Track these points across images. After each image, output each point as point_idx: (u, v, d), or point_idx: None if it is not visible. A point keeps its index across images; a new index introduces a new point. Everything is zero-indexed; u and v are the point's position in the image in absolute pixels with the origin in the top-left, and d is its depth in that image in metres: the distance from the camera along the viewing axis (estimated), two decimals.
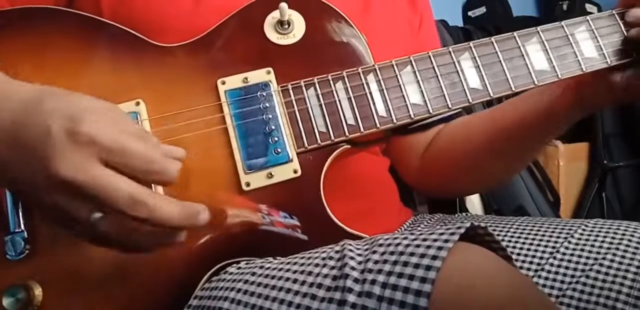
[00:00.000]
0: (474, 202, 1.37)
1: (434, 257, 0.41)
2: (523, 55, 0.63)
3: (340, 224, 0.59)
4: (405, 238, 0.45)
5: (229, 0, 0.66)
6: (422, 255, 0.42)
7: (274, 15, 0.64)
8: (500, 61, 0.63)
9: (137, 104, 0.60)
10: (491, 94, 0.63)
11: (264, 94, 0.61)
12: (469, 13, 2.24)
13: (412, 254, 0.43)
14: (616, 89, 0.65)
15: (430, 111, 0.62)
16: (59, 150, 0.44)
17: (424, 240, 0.44)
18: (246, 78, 0.62)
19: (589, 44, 0.64)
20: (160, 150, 0.47)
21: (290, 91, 0.62)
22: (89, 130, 0.44)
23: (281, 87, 0.62)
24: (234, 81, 0.62)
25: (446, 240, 0.43)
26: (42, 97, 0.46)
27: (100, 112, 0.46)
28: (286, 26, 0.63)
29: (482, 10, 2.21)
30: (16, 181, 0.46)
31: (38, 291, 0.56)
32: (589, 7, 2.12)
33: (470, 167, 0.79)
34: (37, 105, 0.45)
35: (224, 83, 0.62)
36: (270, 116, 0.61)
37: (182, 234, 0.48)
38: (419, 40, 0.84)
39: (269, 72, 0.62)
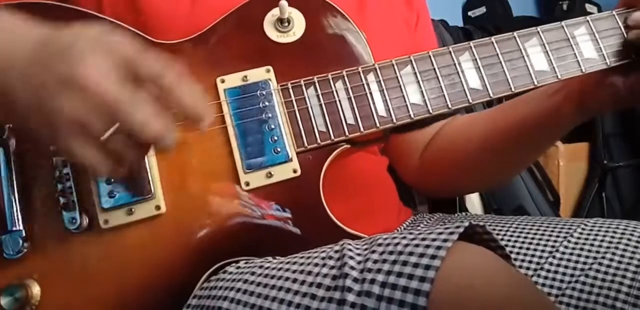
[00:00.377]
0: (473, 202, 1.37)
1: (433, 257, 0.42)
2: (523, 55, 0.63)
3: (339, 223, 0.59)
4: (404, 237, 0.45)
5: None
6: (421, 255, 0.42)
7: (274, 13, 0.63)
8: (500, 61, 0.63)
9: None
10: (491, 95, 0.63)
11: (264, 92, 0.61)
12: (469, 13, 2.24)
13: (411, 254, 0.43)
14: (619, 95, 0.64)
15: (430, 111, 0.62)
16: (85, 53, 0.44)
17: (423, 239, 0.44)
18: (245, 76, 0.62)
19: (589, 45, 0.64)
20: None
21: (290, 90, 0.62)
22: (118, 38, 0.46)
23: (281, 85, 0.62)
24: (233, 79, 0.62)
25: (445, 240, 0.43)
26: (61, 28, 0.47)
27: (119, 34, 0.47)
28: (286, 24, 0.63)
29: (482, 10, 2.21)
30: (29, 89, 0.46)
31: (36, 290, 0.56)
32: (589, 7, 2.12)
33: (470, 167, 0.79)
34: (60, 31, 0.47)
35: (223, 81, 0.62)
36: (270, 115, 0.61)
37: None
38: (416, 39, 0.84)
39: (268, 71, 0.62)
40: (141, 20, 0.65)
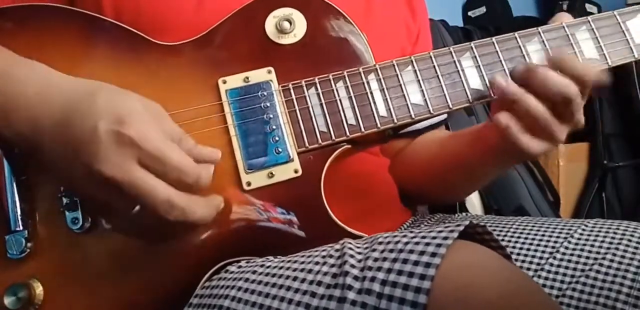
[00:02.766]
0: (474, 202, 1.37)
1: (433, 254, 0.42)
2: (524, 55, 0.63)
3: (340, 223, 0.59)
4: (405, 236, 0.46)
5: (231, 0, 0.66)
6: (422, 253, 0.42)
7: (275, 14, 0.63)
8: (501, 61, 0.63)
9: None
10: (492, 95, 0.62)
11: (265, 93, 0.61)
12: (469, 13, 2.24)
13: (411, 252, 0.43)
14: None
15: (431, 111, 0.62)
16: (103, 149, 0.47)
17: (423, 237, 0.44)
18: (247, 77, 0.62)
19: (590, 45, 0.64)
20: (196, 154, 0.52)
21: (291, 91, 0.62)
22: (134, 133, 0.48)
23: (282, 86, 0.62)
24: (234, 80, 0.62)
25: (445, 238, 0.43)
26: (94, 93, 0.50)
27: (146, 114, 0.50)
28: (287, 25, 0.63)
29: (482, 10, 2.22)
30: (58, 169, 0.51)
31: (39, 290, 0.56)
32: (588, 7, 2.12)
33: (420, 183, 0.82)
34: (89, 102, 0.50)
35: (224, 82, 0.62)
36: (271, 116, 0.61)
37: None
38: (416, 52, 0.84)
39: (269, 72, 0.62)
40: (143, 21, 0.65)
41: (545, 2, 2.34)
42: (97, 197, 0.50)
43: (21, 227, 0.57)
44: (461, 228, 0.44)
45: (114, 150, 0.47)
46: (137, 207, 0.49)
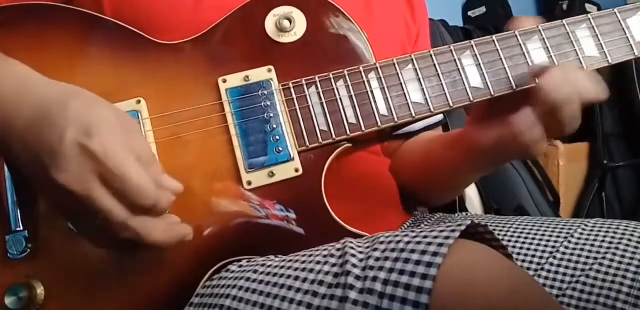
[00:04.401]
0: (474, 202, 1.37)
1: (435, 254, 0.42)
2: (524, 53, 0.63)
3: (341, 222, 0.59)
4: (407, 235, 0.45)
5: None
6: (423, 252, 0.42)
7: (276, 12, 0.63)
8: (501, 59, 0.63)
9: (138, 102, 0.60)
10: (492, 93, 0.62)
11: (265, 92, 0.61)
12: (469, 13, 2.24)
13: (413, 251, 0.43)
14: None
15: (432, 110, 0.62)
16: (66, 159, 0.47)
17: (425, 237, 0.44)
18: (247, 76, 0.62)
19: (590, 43, 0.64)
20: (158, 181, 0.50)
21: (292, 89, 0.61)
22: (97, 147, 0.47)
23: (282, 85, 0.62)
24: (235, 79, 0.62)
25: (447, 237, 0.43)
26: (68, 99, 0.49)
27: (116, 128, 0.49)
28: (287, 24, 0.63)
29: (482, 10, 2.22)
30: (25, 167, 0.50)
31: (40, 290, 0.56)
32: (588, 7, 2.12)
33: (410, 182, 0.83)
34: (61, 108, 0.48)
35: (225, 81, 0.62)
36: (272, 115, 0.61)
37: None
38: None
39: (270, 71, 0.62)
40: (143, 20, 0.65)
41: (545, 2, 2.34)
42: (59, 206, 0.50)
43: (22, 227, 0.57)
44: (463, 228, 0.44)
45: (76, 163, 0.47)
46: (97, 222, 0.49)
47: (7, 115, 0.50)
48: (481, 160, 0.69)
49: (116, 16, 0.64)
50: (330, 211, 0.59)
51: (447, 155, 0.73)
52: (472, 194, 1.38)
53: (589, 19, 0.65)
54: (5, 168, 0.59)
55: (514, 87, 0.63)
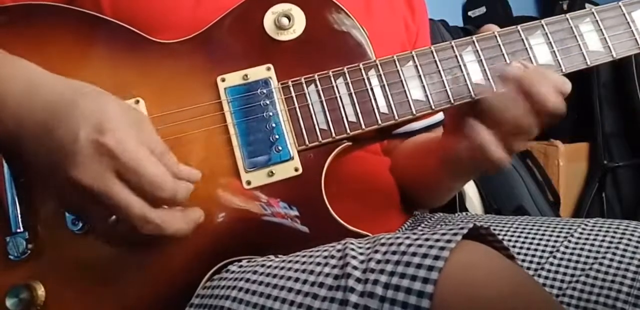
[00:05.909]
0: (474, 202, 1.37)
1: (436, 258, 0.41)
2: (527, 48, 0.62)
3: (341, 221, 0.59)
4: (408, 238, 0.45)
5: None
6: (425, 255, 0.42)
7: (274, 10, 0.63)
8: (503, 55, 0.62)
9: (137, 102, 0.60)
10: (495, 89, 0.61)
11: (265, 91, 0.61)
12: (469, 13, 2.24)
13: (414, 254, 0.42)
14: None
15: (433, 107, 0.61)
16: (83, 157, 0.47)
17: (427, 240, 0.44)
18: (246, 75, 0.61)
19: (594, 37, 0.63)
20: (174, 171, 0.51)
21: (291, 88, 0.61)
22: (112, 143, 0.48)
23: (281, 83, 0.61)
24: (233, 78, 0.61)
25: (448, 241, 0.42)
26: (76, 96, 0.50)
27: (126, 122, 0.50)
28: (286, 21, 0.62)
29: (482, 10, 2.22)
30: (38, 169, 0.51)
31: (41, 291, 0.56)
32: (588, 6, 2.12)
33: (405, 181, 0.82)
34: (71, 107, 0.49)
35: (223, 80, 0.61)
36: (271, 113, 0.60)
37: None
38: None
39: (269, 69, 0.62)
40: (142, 20, 0.64)
41: (545, 2, 2.34)
42: (74, 205, 0.51)
43: (22, 229, 0.57)
44: (465, 231, 0.43)
45: (93, 160, 0.47)
46: (113, 217, 0.49)
47: (18, 114, 0.50)
48: (456, 169, 0.68)
49: (115, 15, 0.64)
50: (330, 210, 0.59)
51: (427, 163, 0.73)
52: (472, 194, 1.38)
53: (593, 12, 0.63)
54: (5, 169, 0.58)
55: None
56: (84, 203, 0.49)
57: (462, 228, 0.44)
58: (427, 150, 0.76)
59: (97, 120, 0.48)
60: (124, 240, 0.53)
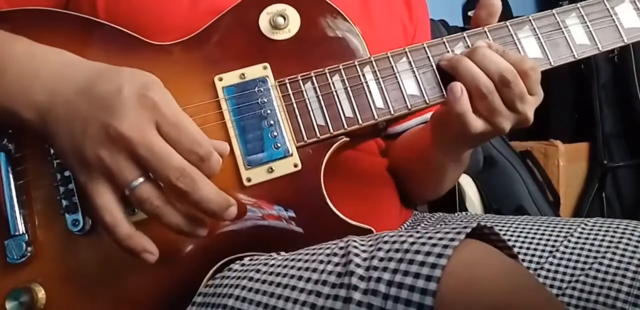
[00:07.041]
0: (474, 202, 1.37)
1: (440, 255, 0.41)
2: (515, 42, 0.64)
3: (342, 216, 0.59)
4: (411, 236, 0.45)
5: None
6: (428, 253, 0.42)
7: (269, 10, 0.63)
8: None
9: None
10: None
11: (262, 89, 0.61)
12: (469, 13, 2.24)
13: (417, 252, 0.42)
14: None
15: (427, 101, 0.62)
16: (126, 107, 0.48)
17: (430, 238, 0.44)
18: (243, 74, 0.62)
19: (580, 30, 0.65)
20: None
21: (288, 85, 0.62)
22: (157, 97, 0.49)
23: (278, 81, 0.62)
24: (231, 77, 0.62)
25: (452, 239, 0.42)
26: (118, 68, 0.53)
27: (166, 90, 0.52)
28: (281, 21, 0.63)
29: None
30: (71, 129, 0.50)
31: (41, 294, 0.55)
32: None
33: (404, 173, 0.83)
34: (115, 71, 0.52)
35: (221, 79, 0.61)
36: (269, 111, 0.60)
37: (204, 228, 0.52)
38: None
39: (265, 68, 0.62)
40: (137, 22, 0.64)
41: (545, 2, 2.34)
42: (106, 161, 0.48)
43: (21, 231, 0.57)
44: (468, 230, 0.43)
45: (136, 111, 0.48)
46: (140, 179, 0.48)
47: (54, 85, 0.52)
48: (444, 137, 0.69)
49: (111, 18, 0.64)
50: (331, 205, 0.59)
51: (420, 141, 0.74)
52: (472, 193, 1.37)
53: (578, 7, 0.66)
54: (3, 171, 0.58)
55: None
56: (119, 158, 0.48)
57: (465, 227, 0.44)
58: (422, 130, 0.77)
59: (141, 79, 0.51)
60: (144, 205, 0.50)
